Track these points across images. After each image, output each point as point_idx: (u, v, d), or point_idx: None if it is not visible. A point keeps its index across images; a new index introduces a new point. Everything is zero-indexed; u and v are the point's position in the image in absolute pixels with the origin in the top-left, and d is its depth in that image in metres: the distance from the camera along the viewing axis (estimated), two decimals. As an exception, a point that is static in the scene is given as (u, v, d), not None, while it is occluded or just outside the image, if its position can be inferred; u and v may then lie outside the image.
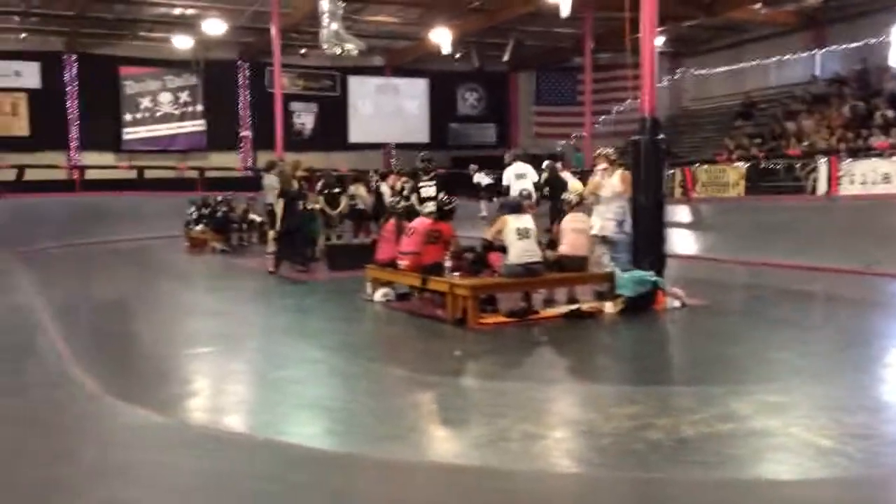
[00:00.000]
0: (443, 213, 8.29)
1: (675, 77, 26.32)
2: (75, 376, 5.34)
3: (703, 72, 25.70)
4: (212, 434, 4.28)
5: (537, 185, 11.83)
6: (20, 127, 22.63)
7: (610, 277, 7.88)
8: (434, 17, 21.49)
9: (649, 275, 7.75)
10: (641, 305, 7.67)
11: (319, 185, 12.93)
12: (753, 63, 23.69)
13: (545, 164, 12.52)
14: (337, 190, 13.27)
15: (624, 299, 7.65)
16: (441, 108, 27.99)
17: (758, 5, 19.97)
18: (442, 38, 21.08)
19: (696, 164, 18.43)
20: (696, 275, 10.19)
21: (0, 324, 7.52)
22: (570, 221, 8.03)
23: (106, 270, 13.31)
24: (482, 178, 13.66)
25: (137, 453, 3.85)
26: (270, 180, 12.21)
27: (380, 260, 8.88)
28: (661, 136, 8.28)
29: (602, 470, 3.68)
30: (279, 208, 11.27)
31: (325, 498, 3.22)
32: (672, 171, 17.91)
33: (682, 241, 13.50)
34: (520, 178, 12.06)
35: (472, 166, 19.27)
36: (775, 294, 9.02)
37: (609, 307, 7.69)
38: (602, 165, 8.47)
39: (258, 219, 15.57)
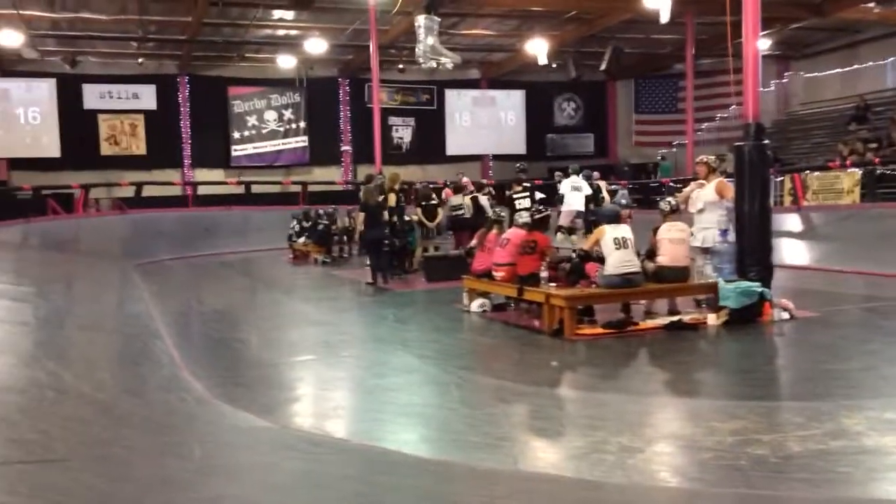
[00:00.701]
0: (536, 223, 8.28)
1: (784, 81, 25.26)
2: (186, 380, 5.59)
3: (813, 75, 24.56)
4: (312, 438, 4.40)
5: (588, 198, 13.33)
6: (138, 146, 24.09)
7: (713, 288, 7.64)
8: (530, 27, 21.46)
9: (755, 286, 7.48)
10: (747, 317, 7.40)
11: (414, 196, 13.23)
12: (868, 64, 22.47)
13: (582, 172, 13.96)
14: (434, 202, 13.51)
15: (728, 311, 7.40)
16: (538, 118, 27.84)
17: (871, 4, 18.95)
18: (538, 48, 20.99)
19: (807, 171, 17.58)
20: (807, 286, 9.77)
21: (120, 330, 7.96)
22: (667, 231, 7.84)
23: (215, 281, 13.93)
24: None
25: (242, 454, 4.00)
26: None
27: (476, 270, 8.92)
28: (766, 141, 8.00)
29: (701, 484, 3.56)
30: (358, 221, 11.60)
31: (417, 502, 3.26)
32: (781, 179, 17.17)
33: (792, 251, 12.93)
34: (575, 190, 13.55)
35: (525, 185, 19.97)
36: (893, 306, 8.51)
37: (712, 319, 7.45)
38: (701, 179, 8.28)
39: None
